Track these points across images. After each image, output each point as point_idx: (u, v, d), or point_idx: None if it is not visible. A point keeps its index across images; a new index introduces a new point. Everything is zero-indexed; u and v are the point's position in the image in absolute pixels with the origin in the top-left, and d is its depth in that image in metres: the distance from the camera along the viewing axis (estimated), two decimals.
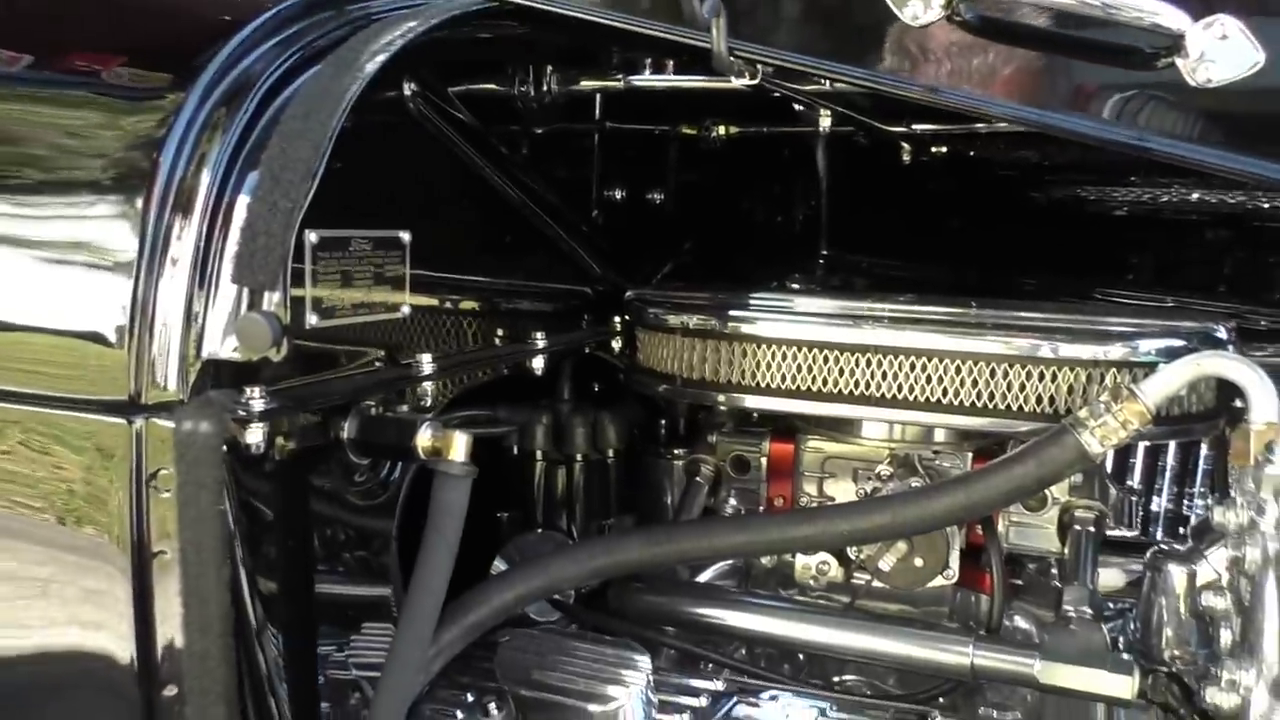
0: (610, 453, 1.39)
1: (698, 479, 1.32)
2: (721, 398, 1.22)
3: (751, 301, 1.21)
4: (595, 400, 1.42)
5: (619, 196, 1.49)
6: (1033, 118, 0.95)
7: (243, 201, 0.75)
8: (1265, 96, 0.84)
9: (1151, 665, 1.02)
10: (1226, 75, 0.68)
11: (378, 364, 0.92)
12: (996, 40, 0.84)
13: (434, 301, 1.05)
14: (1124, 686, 0.99)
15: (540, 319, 1.25)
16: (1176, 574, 1.04)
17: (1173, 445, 1.48)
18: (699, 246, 1.72)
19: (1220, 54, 0.66)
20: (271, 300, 0.72)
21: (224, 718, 0.76)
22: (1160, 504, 1.47)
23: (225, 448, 0.71)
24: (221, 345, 0.73)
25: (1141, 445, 1.49)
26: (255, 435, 0.74)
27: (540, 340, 1.18)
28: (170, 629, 0.75)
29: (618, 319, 1.37)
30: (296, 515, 0.86)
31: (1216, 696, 0.91)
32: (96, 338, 0.74)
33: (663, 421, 1.46)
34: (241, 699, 0.78)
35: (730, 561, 1.32)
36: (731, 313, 1.20)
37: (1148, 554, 1.10)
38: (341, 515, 0.95)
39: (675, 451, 1.40)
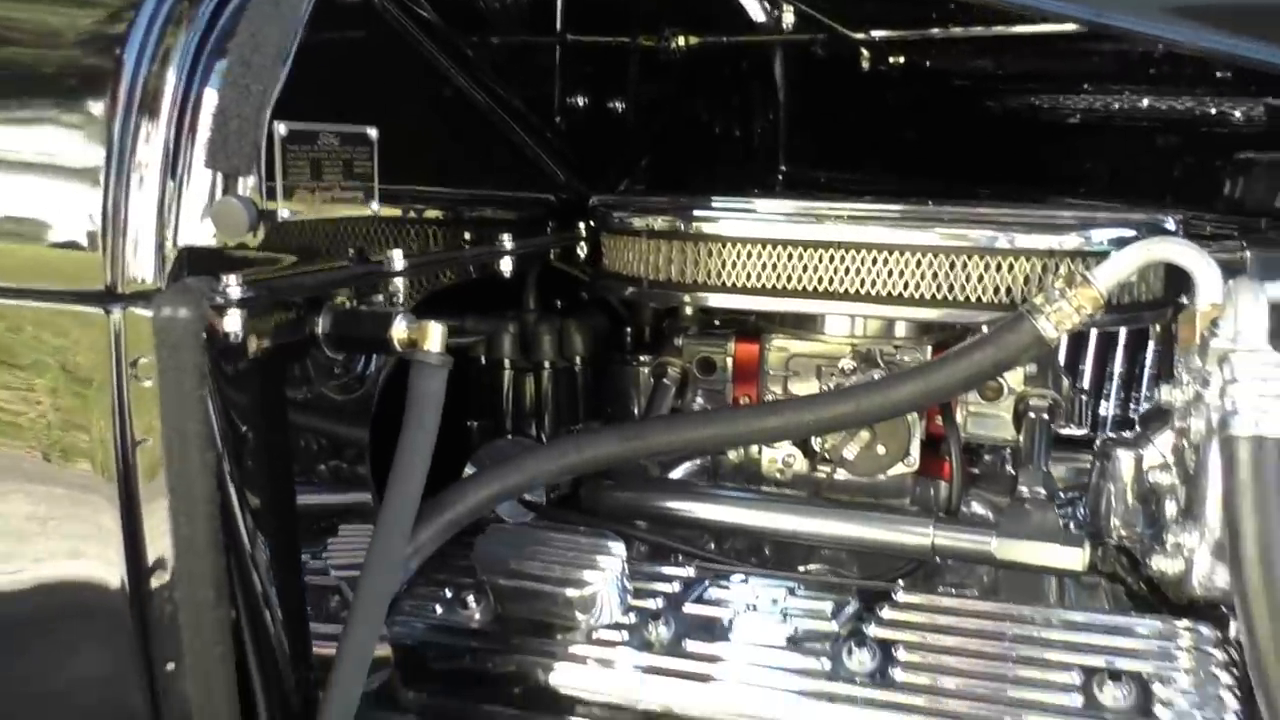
0: (577, 360, 1.41)
1: (665, 381, 1.34)
2: (687, 298, 1.24)
3: (715, 203, 1.23)
4: (561, 311, 1.44)
5: (581, 105, 1.49)
6: None
7: (212, 90, 0.74)
8: None
9: (1097, 537, 1.08)
10: None
11: (348, 262, 0.93)
12: None
13: (400, 207, 1.06)
14: (1075, 559, 1.05)
15: (506, 225, 1.25)
16: (1125, 459, 1.09)
17: (1120, 352, 1.54)
18: (659, 161, 1.72)
19: None
20: (246, 185, 0.72)
21: (212, 603, 0.77)
22: (1109, 409, 1.53)
23: (205, 335, 0.72)
24: (197, 232, 0.73)
25: (1091, 351, 1.55)
26: (234, 323, 0.74)
27: (508, 242, 1.19)
28: (156, 517, 0.77)
29: (582, 225, 1.38)
30: (275, 412, 0.87)
31: (1161, 563, 0.96)
32: (71, 230, 0.74)
33: (628, 330, 1.48)
34: (230, 587, 0.80)
35: (698, 461, 1.36)
36: (696, 213, 1.22)
37: (1097, 443, 1.15)
38: (318, 414, 0.96)
39: (642, 358, 1.43)
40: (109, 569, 0.79)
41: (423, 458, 0.87)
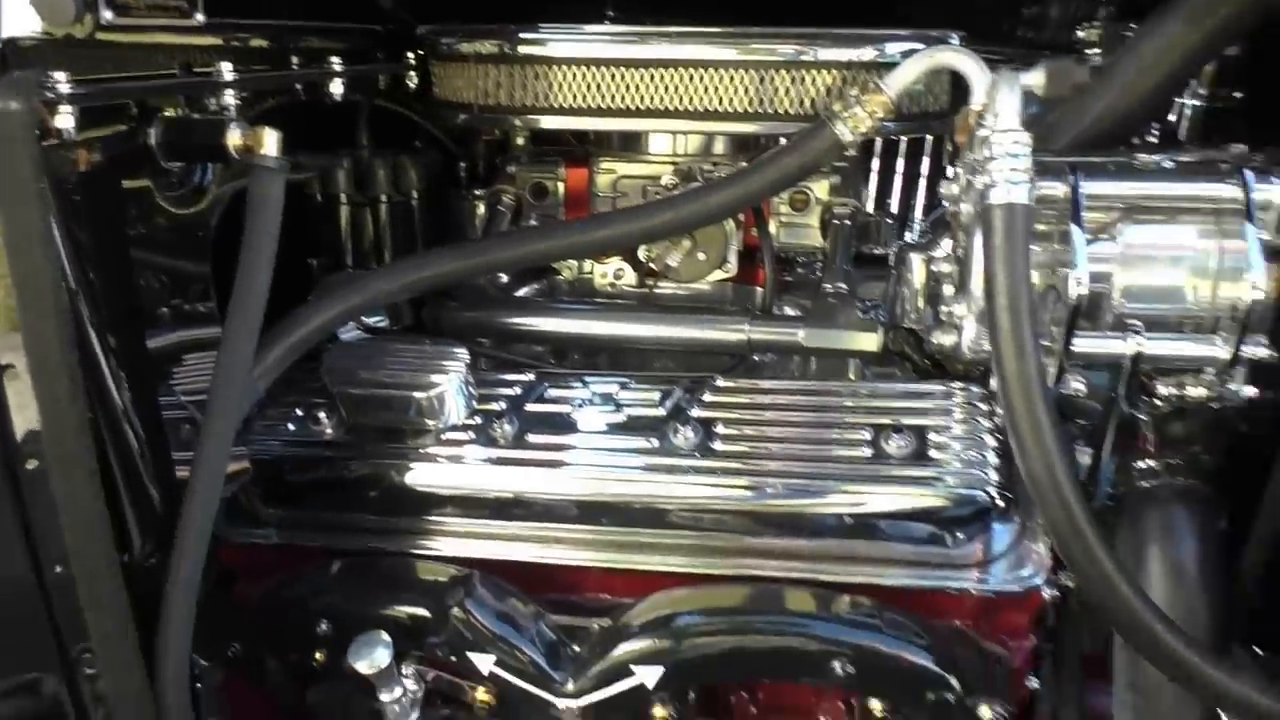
0: (413, 194, 1.44)
1: (499, 208, 1.40)
2: (518, 121, 1.29)
3: (542, 27, 1.27)
4: (394, 147, 1.46)
5: None
6: None
7: None
8: None
9: (891, 323, 1.22)
10: None
11: (177, 72, 0.94)
12: None
13: (224, 35, 1.05)
14: (872, 341, 1.18)
15: (334, 53, 1.26)
16: (916, 260, 1.22)
17: (923, 184, 1.67)
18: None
19: None
20: None
21: (74, 420, 0.80)
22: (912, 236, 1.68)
23: (37, 131, 0.73)
24: (22, 22, 0.73)
25: (899, 177, 1.68)
26: (66, 120, 0.76)
27: (337, 64, 1.20)
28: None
29: (411, 56, 1.40)
30: (115, 229, 0.89)
31: (940, 337, 1.10)
32: None
33: (462, 165, 1.52)
34: (90, 401, 0.82)
35: (534, 285, 1.43)
36: (523, 35, 1.26)
37: (893, 250, 1.28)
38: (158, 235, 0.97)
39: (476, 191, 1.47)
40: None
41: (267, 259, 0.91)
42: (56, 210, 0.76)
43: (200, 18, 0.92)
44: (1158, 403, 1.05)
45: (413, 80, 1.41)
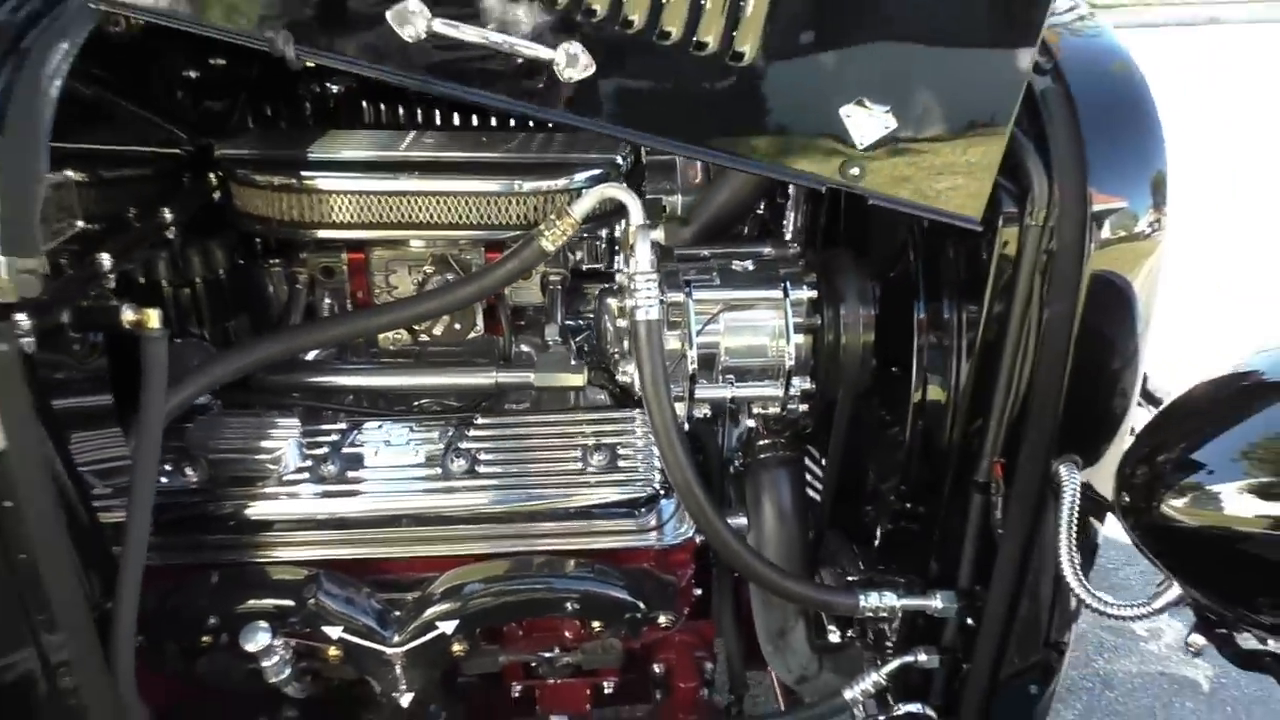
0: (220, 271, 1.84)
1: (297, 286, 1.83)
2: (306, 233, 1.72)
3: (317, 159, 1.68)
4: (201, 230, 1.83)
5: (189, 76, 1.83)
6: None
7: None
8: None
9: (596, 364, 1.77)
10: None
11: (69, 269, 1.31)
12: None
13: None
14: (580, 379, 1.73)
15: (146, 182, 1.62)
16: (612, 305, 1.76)
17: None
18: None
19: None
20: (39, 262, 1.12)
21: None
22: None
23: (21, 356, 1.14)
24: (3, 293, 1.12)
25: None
26: (31, 345, 1.16)
27: (167, 214, 1.59)
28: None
29: (213, 176, 1.77)
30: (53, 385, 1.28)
31: (622, 378, 1.66)
32: None
33: (258, 241, 1.92)
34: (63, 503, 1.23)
35: None
36: (303, 173, 1.67)
37: (597, 292, 1.82)
38: (75, 378, 1.36)
39: (273, 262, 1.88)
40: None
41: (159, 402, 1.33)
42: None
43: (79, 224, 1.29)
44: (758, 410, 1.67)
45: (216, 194, 1.79)
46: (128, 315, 1.31)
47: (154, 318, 1.32)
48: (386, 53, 1.23)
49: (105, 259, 1.37)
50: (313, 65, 1.24)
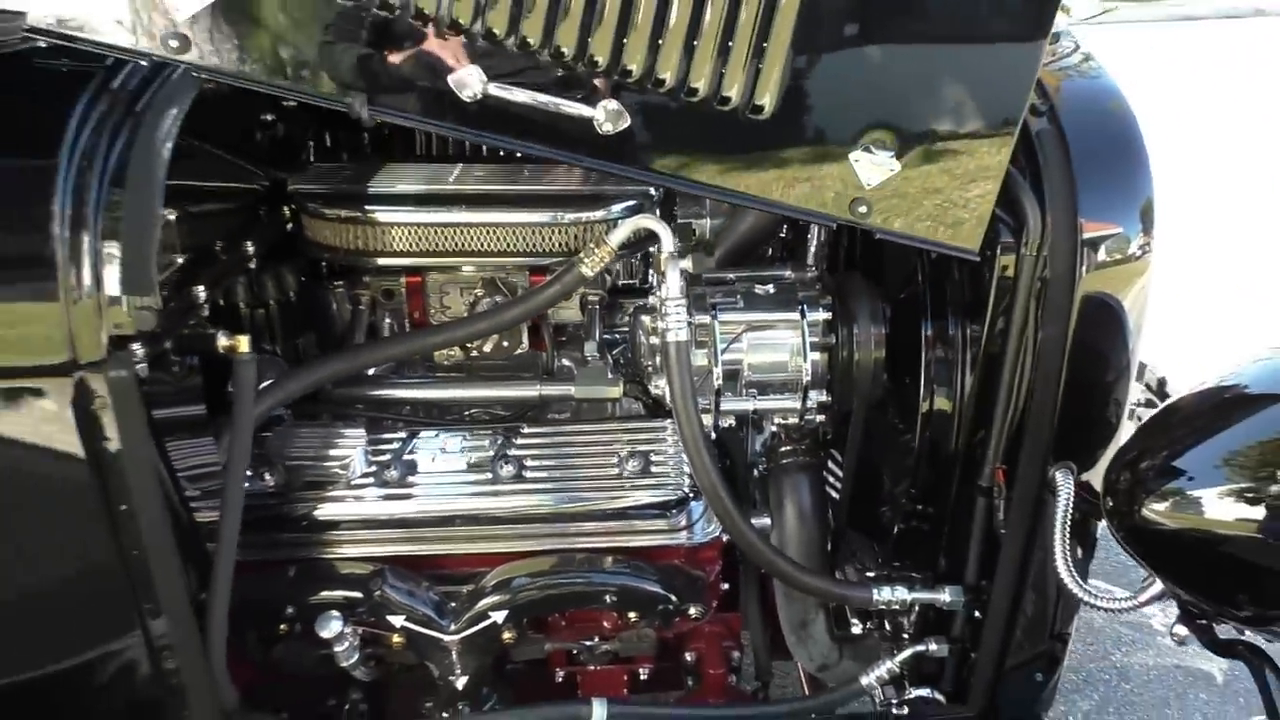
0: (290, 294, 2.03)
1: (360, 307, 2.01)
2: (369, 261, 1.90)
3: (378, 194, 1.86)
4: (275, 256, 2.01)
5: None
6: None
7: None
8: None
9: (631, 376, 1.93)
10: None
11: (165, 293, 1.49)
12: None
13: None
14: (616, 391, 1.89)
15: (229, 216, 1.82)
16: (645, 322, 1.93)
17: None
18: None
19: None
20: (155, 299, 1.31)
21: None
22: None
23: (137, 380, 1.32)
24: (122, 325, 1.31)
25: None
26: (144, 369, 1.34)
27: (250, 246, 1.78)
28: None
29: (286, 209, 1.96)
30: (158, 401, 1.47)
31: (655, 390, 1.83)
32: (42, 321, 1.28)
33: (323, 266, 2.10)
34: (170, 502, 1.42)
35: None
36: (367, 207, 1.85)
37: (631, 310, 1.99)
38: (178, 397, 1.55)
39: (336, 284, 2.07)
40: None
41: (248, 416, 1.52)
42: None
43: (179, 258, 1.48)
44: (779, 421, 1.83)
45: (289, 226, 1.98)
46: (222, 341, 1.49)
47: (244, 343, 1.50)
48: (447, 111, 1.40)
49: (200, 291, 1.55)
50: None
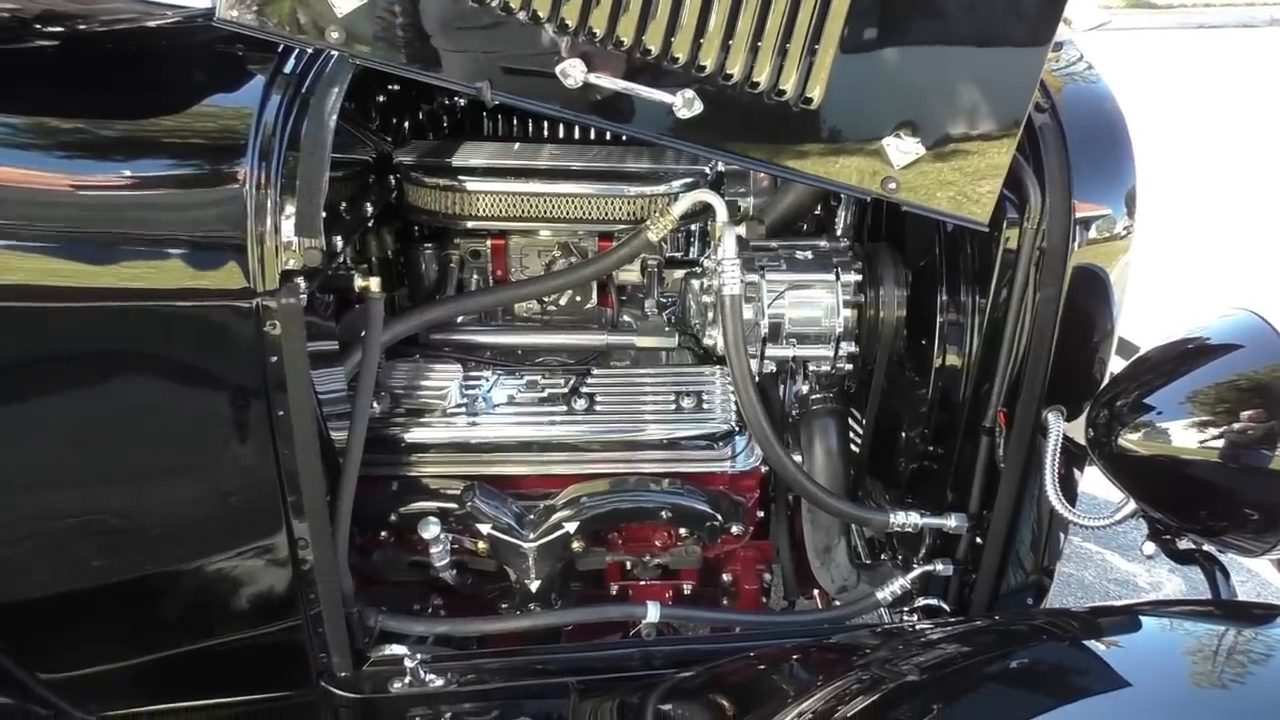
0: (389, 251, 2.34)
1: (451, 265, 2.32)
2: (460, 224, 2.20)
3: (470, 166, 2.17)
4: (379, 219, 2.31)
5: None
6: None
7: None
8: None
9: (681, 330, 2.24)
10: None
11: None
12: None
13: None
14: (672, 343, 2.20)
15: (348, 181, 2.13)
16: (696, 284, 2.23)
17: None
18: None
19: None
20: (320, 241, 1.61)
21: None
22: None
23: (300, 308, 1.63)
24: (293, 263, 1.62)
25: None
26: (305, 301, 1.65)
27: (369, 207, 2.09)
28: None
29: (392, 178, 2.26)
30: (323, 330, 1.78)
31: (706, 341, 2.13)
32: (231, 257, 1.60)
33: (418, 227, 2.41)
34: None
35: None
36: (461, 178, 2.16)
37: (681, 275, 2.29)
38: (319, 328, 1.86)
39: (428, 246, 2.37)
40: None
41: (376, 345, 1.82)
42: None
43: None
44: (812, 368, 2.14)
45: (393, 193, 2.28)
46: (359, 281, 1.80)
47: (375, 284, 1.81)
48: (554, 96, 1.70)
49: (339, 240, 1.86)
50: None
